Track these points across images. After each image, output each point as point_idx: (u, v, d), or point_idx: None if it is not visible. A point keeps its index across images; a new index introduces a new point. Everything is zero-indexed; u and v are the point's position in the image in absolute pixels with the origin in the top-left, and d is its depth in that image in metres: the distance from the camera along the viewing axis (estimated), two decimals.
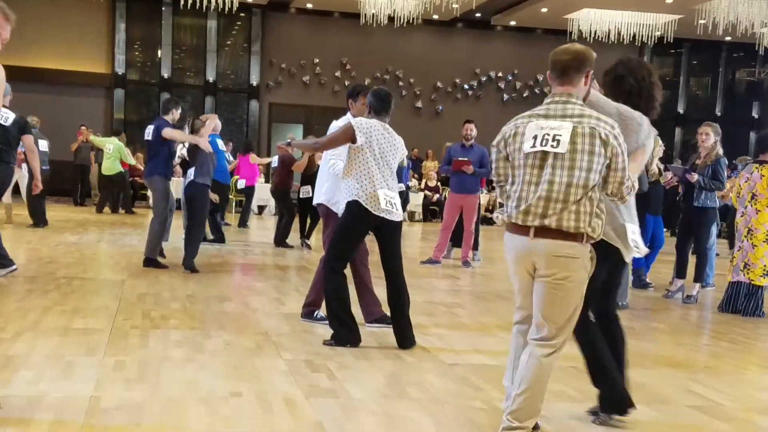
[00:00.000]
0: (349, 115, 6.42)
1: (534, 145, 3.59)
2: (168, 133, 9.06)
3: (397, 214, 5.76)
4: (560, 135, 3.54)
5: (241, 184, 15.72)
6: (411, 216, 20.05)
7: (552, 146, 3.54)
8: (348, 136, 5.68)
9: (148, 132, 9.32)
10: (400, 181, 12.57)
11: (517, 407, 3.60)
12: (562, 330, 3.63)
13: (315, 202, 6.63)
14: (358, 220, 5.68)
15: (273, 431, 3.89)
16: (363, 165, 5.68)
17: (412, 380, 4.94)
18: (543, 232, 3.55)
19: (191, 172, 9.16)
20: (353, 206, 5.67)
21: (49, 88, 21.14)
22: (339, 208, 6.02)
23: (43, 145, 13.57)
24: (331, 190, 6.35)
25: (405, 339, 5.83)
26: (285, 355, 5.40)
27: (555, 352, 3.63)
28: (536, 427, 3.76)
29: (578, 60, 3.69)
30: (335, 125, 6.36)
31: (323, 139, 5.96)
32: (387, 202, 5.65)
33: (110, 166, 16.87)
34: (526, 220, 3.58)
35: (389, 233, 5.81)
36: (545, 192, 3.54)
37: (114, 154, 16.85)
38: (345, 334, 5.74)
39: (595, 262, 3.72)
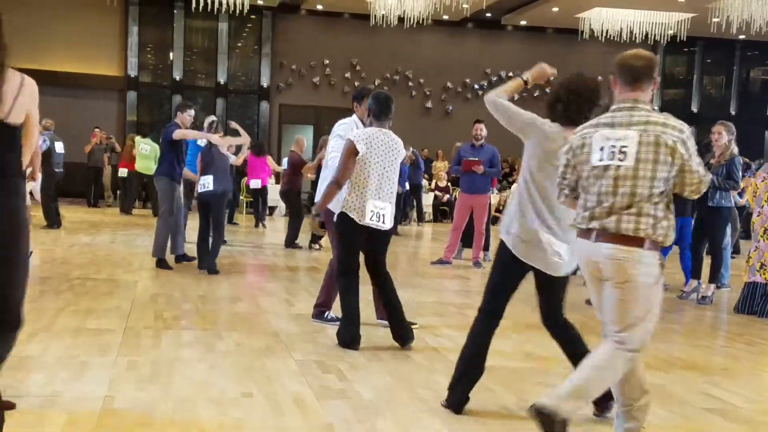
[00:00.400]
0: (354, 117, 6.45)
1: (601, 159, 3.62)
2: (179, 134, 9.14)
3: (385, 225, 5.79)
4: (626, 146, 3.56)
5: (256, 184, 15.82)
6: (421, 216, 19.97)
7: (619, 159, 3.57)
8: (352, 151, 5.70)
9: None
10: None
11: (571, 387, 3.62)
12: (630, 332, 3.62)
13: (317, 200, 6.66)
14: (347, 229, 5.75)
15: None
16: (360, 174, 5.71)
17: (423, 381, 4.94)
18: (605, 235, 3.58)
19: (207, 179, 9.18)
20: (341, 217, 5.76)
21: (62, 90, 21.23)
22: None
23: (59, 147, 13.67)
24: None
25: (406, 335, 5.88)
26: (296, 356, 5.41)
27: (629, 353, 3.65)
28: (564, 422, 3.68)
29: (650, 66, 3.69)
30: (339, 125, 6.38)
31: (335, 175, 5.80)
32: (374, 214, 5.71)
33: (147, 166, 16.92)
34: (590, 225, 3.63)
35: (379, 239, 5.87)
36: (611, 200, 3.57)
37: (151, 155, 16.90)
38: (345, 336, 5.76)
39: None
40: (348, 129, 6.12)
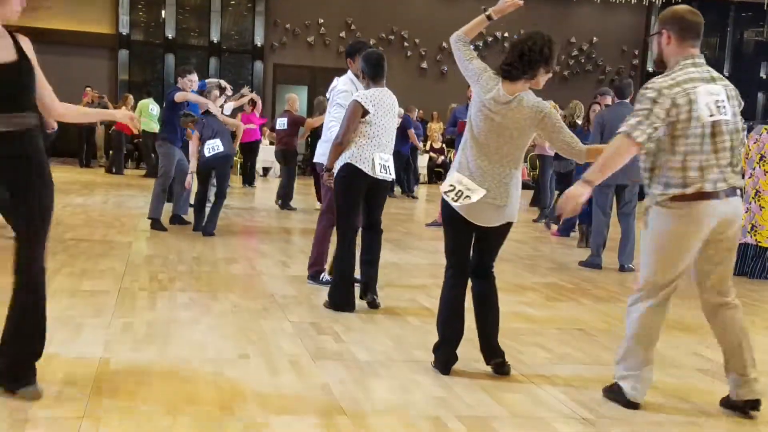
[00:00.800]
0: (349, 73, 6.41)
1: (712, 114, 3.68)
2: (180, 96, 9.16)
3: (392, 176, 5.94)
4: (723, 101, 3.70)
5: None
6: (418, 178, 19.64)
7: (723, 113, 3.70)
8: (359, 112, 5.74)
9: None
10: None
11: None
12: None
13: (315, 160, 6.68)
14: (351, 181, 5.77)
15: (280, 393, 3.93)
16: (368, 131, 5.78)
17: (418, 343, 4.97)
18: (733, 193, 3.75)
19: (215, 142, 9.11)
20: (346, 169, 5.76)
21: (53, 48, 20.91)
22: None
23: None
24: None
25: (374, 301, 5.92)
26: (291, 318, 5.44)
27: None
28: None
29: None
30: (339, 94, 6.29)
31: (339, 133, 5.81)
32: (382, 167, 5.81)
33: (151, 126, 16.88)
34: (716, 185, 3.70)
35: (380, 192, 5.98)
36: (729, 156, 3.73)
37: (159, 116, 16.84)
38: (338, 298, 5.79)
39: None
40: (348, 97, 6.06)
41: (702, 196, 3.68)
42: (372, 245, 6.03)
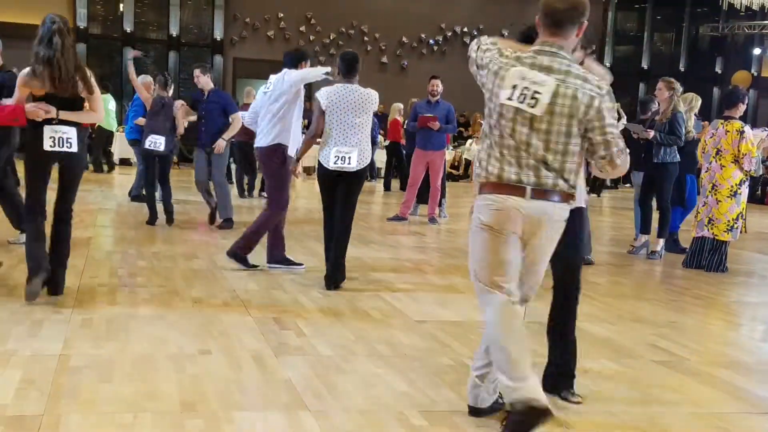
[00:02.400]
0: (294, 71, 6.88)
1: (510, 98, 3.35)
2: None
3: (351, 166, 6.33)
4: (540, 93, 3.31)
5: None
6: (375, 172, 20.01)
7: (529, 105, 3.32)
8: (318, 107, 6.43)
9: None
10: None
11: None
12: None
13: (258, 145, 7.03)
14: (320, 175, 6.53)
15: (242, 388, 3.93)
16: (327, 125, 6.41)
17: (381, 337, 4.99)
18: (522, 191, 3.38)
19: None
20: (318, 164, 6.50)
21: (7, 42, 20.62)
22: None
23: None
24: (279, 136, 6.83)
25: (330, 279, 6.36)
26: (253, 313, 5.42)
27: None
28: None
29: (576, 10, 3.36)
30: (282, 78, 6.85)
31: (311, 128, 6.59)
32: (338, 158, 6.32)
33: (111, 123, 16.66)
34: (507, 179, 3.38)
35: (346, 183, 6.40)
36: (524, 154, 3.36)
37: (114, 111, 16.67)
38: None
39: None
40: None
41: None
42: (337, 241, 6.42)
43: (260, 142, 6.91)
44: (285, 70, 6.94)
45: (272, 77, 7.01)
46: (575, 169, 3.44)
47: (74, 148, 5.41)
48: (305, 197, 14.30)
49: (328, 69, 7.09)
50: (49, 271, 5.39)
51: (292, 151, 6.85)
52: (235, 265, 7.04)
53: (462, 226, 11.23)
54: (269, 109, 6.83)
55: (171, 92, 9.77)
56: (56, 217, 5.68)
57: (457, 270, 7.52)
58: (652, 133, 8.66)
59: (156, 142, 9.24)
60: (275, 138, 6.78)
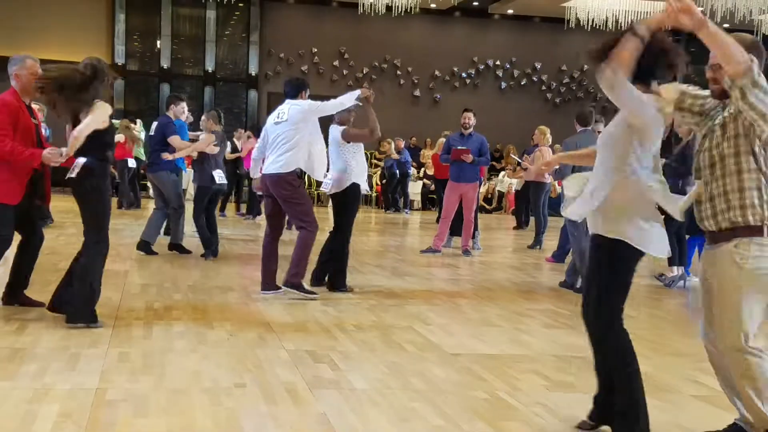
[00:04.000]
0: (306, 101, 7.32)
1: None
2: (175, 142, 9.62)
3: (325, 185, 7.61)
4: None
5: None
6: (411, 204, 20.20)
7: None
8: None
9: (152, 128, 10.10)
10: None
11: None
12: None
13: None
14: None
15: (277, 422, 3.92)
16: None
17: (415, 370, 4.97)
18: None
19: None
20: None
21: None
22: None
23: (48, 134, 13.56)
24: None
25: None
26: (287, 346, 5.43)
27: None
28: None
29: None
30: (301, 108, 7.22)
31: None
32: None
33: (140, 153, 16.84)
34: None
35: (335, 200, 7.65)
36: None
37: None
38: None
39: None
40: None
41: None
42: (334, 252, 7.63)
43: (269, 169, 7.15)
44: (288, 100, 7.27)
45: (283, 107, 7.29)
46: None
47: (73, 174, 5.71)
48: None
49: (358, 93, 7.27)
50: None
51: (320, 175, 7.37)
52: (269, 297, 7.07)
53: (495, 258, 11.19)
54: (286, 136, 7.09)
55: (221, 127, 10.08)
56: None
57: (491, 302, 7.48)
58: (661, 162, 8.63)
59: (221, 176, 9.64)
60: (283, 166, 7.03)
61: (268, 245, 7.33)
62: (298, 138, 7.04)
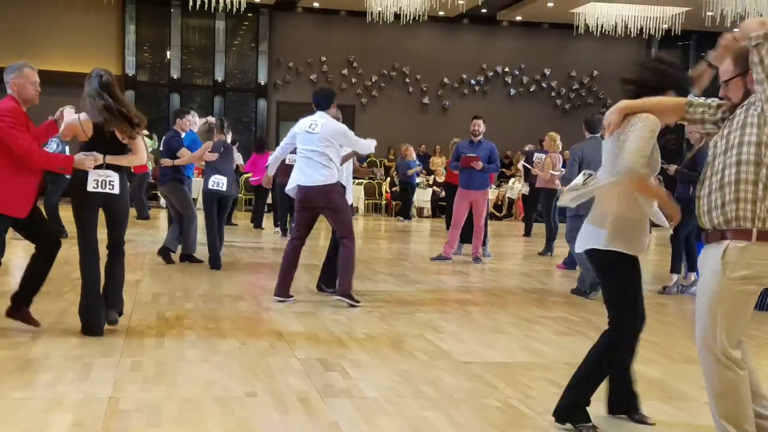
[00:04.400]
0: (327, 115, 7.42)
1: None
2: (184, 160, 9.70)
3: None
4: None
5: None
6: (420, 212, 20.23)
7: None
8: None
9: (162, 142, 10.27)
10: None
11: None
12: None
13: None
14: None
15: (289, 431, 3.93)
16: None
17: (427, 379, 4.97)
18: None
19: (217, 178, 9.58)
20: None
21: (59, 89, 21.10)
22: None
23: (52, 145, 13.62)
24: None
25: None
26: (299, 354, 5.44)
27: None
28: None
29: None
30: (330, 125, 7.31)
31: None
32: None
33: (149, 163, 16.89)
34: None
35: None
36: None
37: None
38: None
39: None
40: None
41: None
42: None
43: (309, 181, 7.22)
44: (319, 112, 7.33)
45: (316, 119, 7.30)
46: None
47: (116, 190, 5.69)
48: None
49: (374, 142, 7.64)
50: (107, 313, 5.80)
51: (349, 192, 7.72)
52: (280, 306, 7.09)
53: (506, 265, 11.18)
54: (319, 149, 7.19)
55: (230, 137, 10.08)
56: (109, 251, 5.91)
57: (502, 309, 7.47)
58: (673, 168, 8.66)
59: (219, 182, 9.54)
60: (328, 178, 7.19)
61: (291, 253, 7.44)
62: (331, 153, 7.23)
